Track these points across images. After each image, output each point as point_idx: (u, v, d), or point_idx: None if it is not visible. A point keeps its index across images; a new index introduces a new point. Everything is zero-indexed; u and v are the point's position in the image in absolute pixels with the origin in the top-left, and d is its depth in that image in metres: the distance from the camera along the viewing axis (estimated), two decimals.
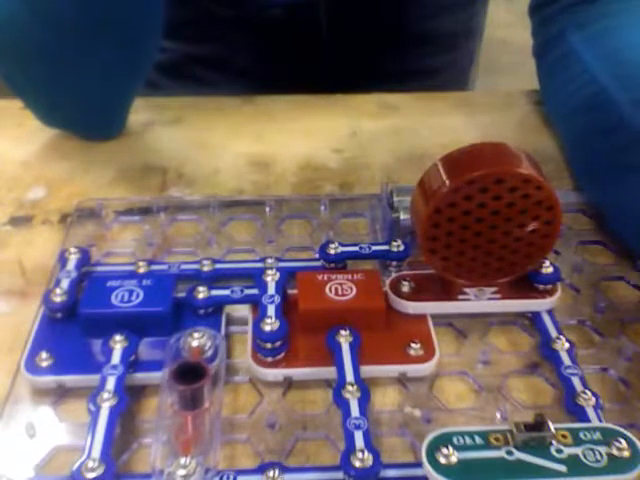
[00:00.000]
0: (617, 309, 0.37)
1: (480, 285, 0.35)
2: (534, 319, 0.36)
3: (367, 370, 0.32)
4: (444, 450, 0.27)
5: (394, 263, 0.38)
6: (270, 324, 0.33)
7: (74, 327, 0.34)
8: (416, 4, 0.64)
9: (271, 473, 0.28)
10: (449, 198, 0.31)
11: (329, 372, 0.32)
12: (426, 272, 0.36)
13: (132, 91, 0.49)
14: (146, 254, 0.40)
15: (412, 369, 0.33)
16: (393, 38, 0.65)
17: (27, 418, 0.31)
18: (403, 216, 0.38)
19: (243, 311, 0.36)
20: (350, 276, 0.35)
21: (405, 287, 0.36)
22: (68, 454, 0.29)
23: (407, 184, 0.37)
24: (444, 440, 0.28)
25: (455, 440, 0.28)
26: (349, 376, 0.31)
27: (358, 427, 0.29)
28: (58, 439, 0.30)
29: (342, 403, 0.30)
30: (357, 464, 0.27)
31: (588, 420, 0.30)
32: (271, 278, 0.36)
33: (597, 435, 0.28)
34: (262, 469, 0.28)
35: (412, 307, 0.35)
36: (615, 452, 0.27)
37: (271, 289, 0.35)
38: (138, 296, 0.34)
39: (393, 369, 0.33)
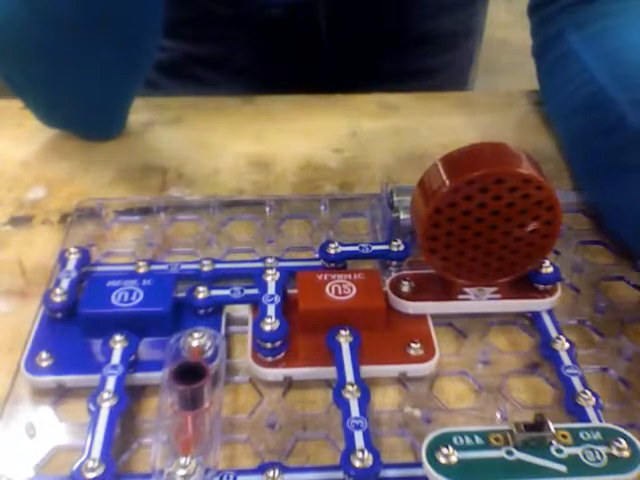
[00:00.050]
0: (617, 309, 0.37)
1: (480, 285, 0.35)
2: (534, 319, 0.36)
3: (367, 370, 0.32)
4: (444, 450, 0.27)
5: (394, 263, 0.38)
6: (270, 324, 0.33)
7: (74, 327, 0.34)
8: (416, 4, 0.64)
9: (271, 473, 0.28)
10: (449, 198, 0.31)
11: (329, 372, 0.32)
12: (426, 272, 0.36)
13: (132, 91, 0.49)
14: (146, 254, 0.40)
15: (412, 369, 0.33)
16: (393, 38, 0.65)
17: (27, 418, 0.31)
18: (403, 216, 0.38)
19: (243, 311, 0.36)
20: (350, 276, 0.35)
21: (405, 287, 0.36)
22: (68, 454, 0.29)
23: (407, 184, 0.37)
24: (444, 440, 0.28)
25: (455, 440, 0.28)
26: (349, 376, 0.31)
27: (358, 427, 0.29)
28: (58, 439, 0.30)
29: (342, 403, 0.30)
30: (357, 464, 0.27)
31: (588, 420, 0.30)
32: (271, 278, 0.36)
33: (597, 435, 0.28)
34: (262, 469, 0.28)
35: (412, 307, 0.35)
36: (615, 452, 0.27)
37: (271, 289, 0.35)
38: (138, 296, 0.34)
39: (393, 369, 0.33)
